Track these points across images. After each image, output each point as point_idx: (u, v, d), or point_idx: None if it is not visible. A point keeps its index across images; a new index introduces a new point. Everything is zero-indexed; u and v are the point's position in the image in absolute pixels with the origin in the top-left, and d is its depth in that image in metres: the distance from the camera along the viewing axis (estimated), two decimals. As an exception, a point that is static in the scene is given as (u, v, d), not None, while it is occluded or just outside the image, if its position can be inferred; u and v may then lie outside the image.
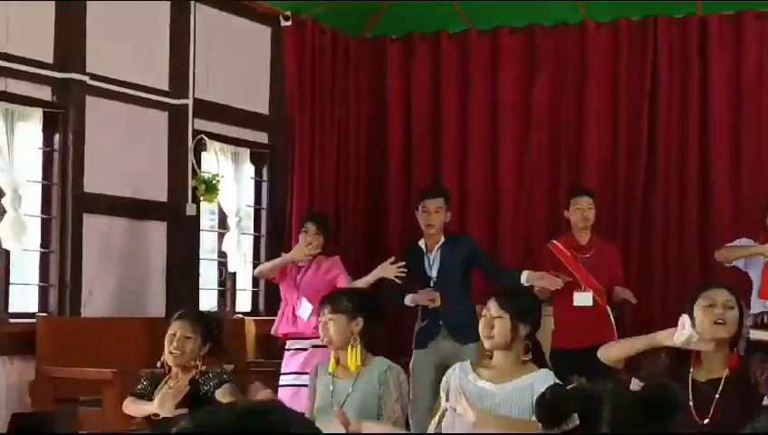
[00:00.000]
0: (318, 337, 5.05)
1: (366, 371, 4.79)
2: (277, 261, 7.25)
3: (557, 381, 4.26)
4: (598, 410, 2.19)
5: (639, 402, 2.25)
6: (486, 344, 4.32)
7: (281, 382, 6.97)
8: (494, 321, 4.33)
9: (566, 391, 2.49)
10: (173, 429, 1.63)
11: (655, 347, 4.11)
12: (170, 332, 4.94)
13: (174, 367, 4.93)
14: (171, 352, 4.87)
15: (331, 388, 4.81)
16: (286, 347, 7.12)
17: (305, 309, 7.00)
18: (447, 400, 4.37)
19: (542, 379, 4.26)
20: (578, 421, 2.41)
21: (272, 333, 7.30)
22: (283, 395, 6.77)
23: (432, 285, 7.04)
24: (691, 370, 4.12)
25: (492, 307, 4.33)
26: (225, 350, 5.07)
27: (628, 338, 4.40)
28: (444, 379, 4.50)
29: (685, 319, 4.03)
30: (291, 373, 6.92)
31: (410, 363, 7.00)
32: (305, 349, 6.89)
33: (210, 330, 4.95)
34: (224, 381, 4.87)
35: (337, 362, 4.86)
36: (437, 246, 7.06)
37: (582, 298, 7.23)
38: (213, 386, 4.84)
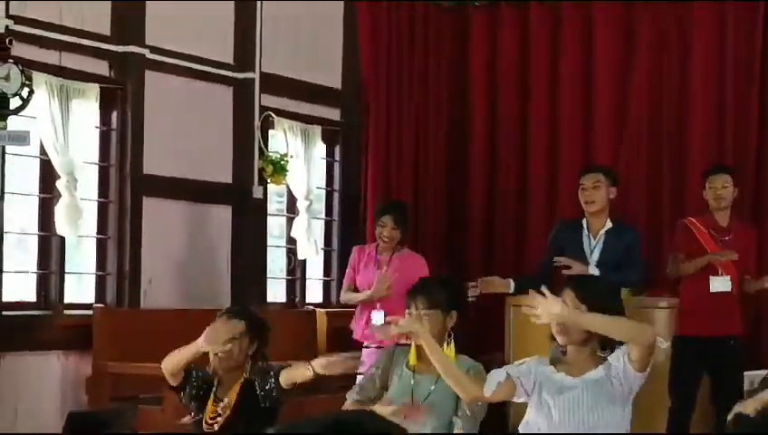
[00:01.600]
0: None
1: None
2: (360, 297, 7.19)
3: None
4: None
5: None
6: (560, 340, 4.26)
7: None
8: None
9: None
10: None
11: None
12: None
13: (222, 373, 4.89)
14: (217, 354, 4.81)
15: (412, 382, 4.85)
16: (364, 344, 7.14)
17: (378, 318, 7.00)
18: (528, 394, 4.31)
19: (615, 356, 4.18)
20: None
21: (351, 328, 7.30)
22: None
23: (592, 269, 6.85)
24: None
25: (568, 299, 4.25)
26: (267, 356, 4.98)
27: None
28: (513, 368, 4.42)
29: None
30: None
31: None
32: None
33: (257, 326, 4.92)
34: (281, 369, 4.80)
35: (418, 356, 4.87)
36: (604, 229, 6.96)
37: (720, 283, 7.14)
38: (272, 379, 4.78)
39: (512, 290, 7.00)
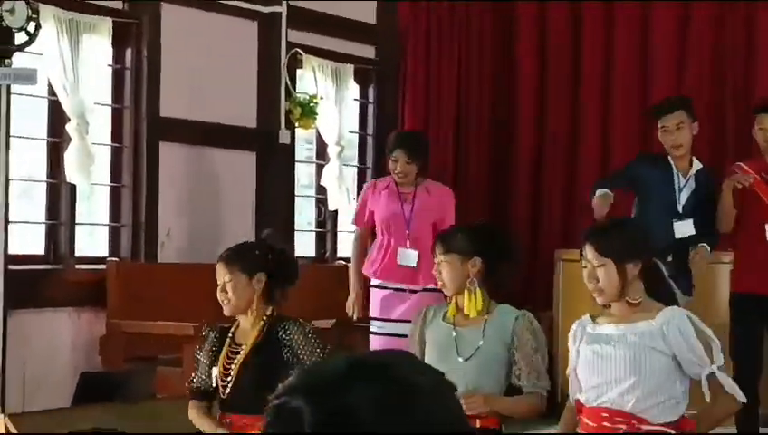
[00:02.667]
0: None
1: (492, 320, 4.78)
2: (351, 278, 7.18)
3: (692, 319, 4.32)
4: None
5: None
6: (599, 300, 4.36)
7: (373, 329, 6.96)
8: (596, 271, 4.34)
9: None
10: (279, 387, 1.63)
11: None
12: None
13: (237, 317, 4.90)
14: (221, 304, 4.85)
15: (454, 335, 4.80)
16: (375, 283, 7.02)
17: (407, 256, 6.90)
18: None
19: (674, 322, 4.29)
20: None
21: (363, 271, 7.19)
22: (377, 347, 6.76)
23: (681, 209, 6.80)
24: None
25: (589, 254, 4.32)
26: (287, 284, 4.95)
27: None
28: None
29: None
30: (387, 320, 6.87)
31: None
32: (407, 291, 6.85)
33: (259, 259, 4.86)
34: (309, 335, 4.78)
35: (457, 308, 4.86)
36: (692, 170, 6.85)
37: None
38: (295, 334, 4.76)
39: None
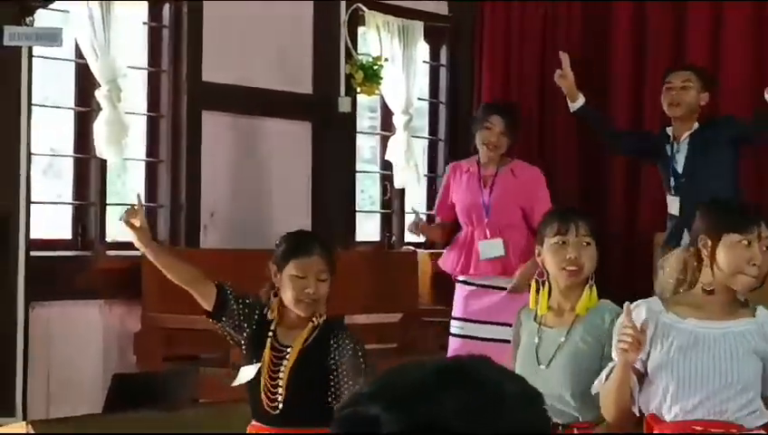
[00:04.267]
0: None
1: (584, 318, 4.66)
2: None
3: None
4: None
5: None
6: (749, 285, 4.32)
7: (452, 330, 6.92)
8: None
9: None
10: (348, 394, 1.62)
11: None
12: (294, 272, 4.79)
13: (303, 314, 4.83)
14: (302, 301, 4.77)
15: (536, 340, 4.71)
16: (460, 279, 7.00)
17: (490, 247, 6.83)
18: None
19: None
20: None
21: (440, 264, 7.22)
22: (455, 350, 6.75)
23: (673, 183, 7.08)
24: None
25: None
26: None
27: None
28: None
29: None
30: (468, 320, 6.82)
31: None
32: (491, 287, 6.80)
33: (335, 263, 4.93)
34: (359, 356, 4.75)
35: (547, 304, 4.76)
36: (687, 133, 7.04)
37: None
38: (346, 349, 4.75)
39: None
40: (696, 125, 7.07)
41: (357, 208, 8.73)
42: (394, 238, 9.06)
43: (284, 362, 4.77)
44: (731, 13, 9.07)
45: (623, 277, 8.00)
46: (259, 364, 4.80)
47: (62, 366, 7.01)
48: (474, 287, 6.89)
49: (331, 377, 4.70)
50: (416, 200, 9.14)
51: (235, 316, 4.87)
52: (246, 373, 4.83)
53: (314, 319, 4.78)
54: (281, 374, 4.76)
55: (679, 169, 7.04)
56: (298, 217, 8.13)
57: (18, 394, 6.74)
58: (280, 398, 4.74)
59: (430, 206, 9.15)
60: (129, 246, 7.31)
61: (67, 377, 7.03)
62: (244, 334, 4.88)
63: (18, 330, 6.80)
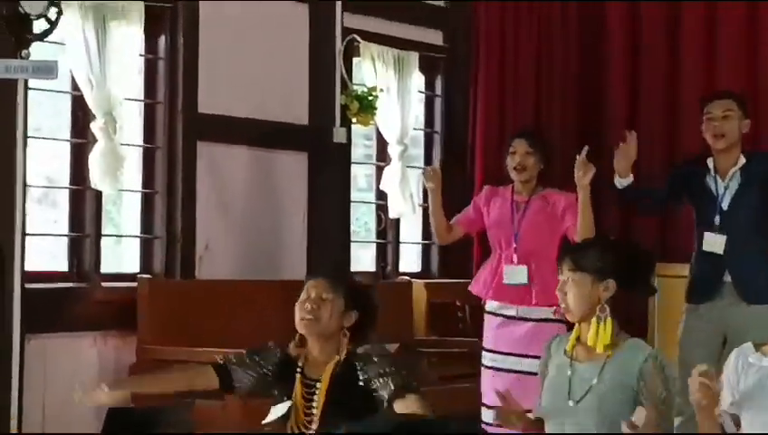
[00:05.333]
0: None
1: (618, 355, 4.64)
2: (431, 203, 7.07)
3: None
4: None
5: None
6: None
7: (484, 361, 6.90)
8: None
9: None
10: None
11: None
12: (302, 296, 4.97)
13: (309, 337, 4.94)
14: (303, 319, 4.91)
15: (569, 373, 4.69)
16: (488, 308, 6.97)
17: (514, 273, 6.82)
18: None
19: None
20: None
21: (469, 288, 7.16)
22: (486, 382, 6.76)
23: (718, 221, 6.77)
24: None
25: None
26: (369, 338, 5.04)
27: None
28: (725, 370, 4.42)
29: None
30: (496, 353, 6.82)
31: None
32: (519, 318, 6.80)
33: (358, 296, 5.02)
34: (395, 377, 4.81)
35: (578, 339, 4.74)
36: (735, 168, 6.78)
37: None
38: (376, 375, 4.82)
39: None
40: (742, 158, 6.78)
41: (352, 238, 8.71)
42: (389, 268, 9.04)
43: (316, 396, 4.86)
44: (725, 13, 9.13)
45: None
46: (290, 402, 4.87)
47: (58, 399, 6.95)
48: (501, 319, 6.87)
49: (366, 396, 4.79)
50: (410, 231, 9.16)
51: (249, 373, 5.00)
52: (278, 410, 4.91)
53: (340, 353, 4.88)
54: (314, 405, 4.86)
55: (725, 205, 6.76)
56: (293, 248, 8.24)
57: (14, 427, 6.72)
58: (313, 428, 4.83)
59: (426, 236, 9.20)
60: (124, 277, 7.48)
61: (62, 410, 6.93)
62: (269, 380, 4.96)
63: (13, 362, 6.78)
